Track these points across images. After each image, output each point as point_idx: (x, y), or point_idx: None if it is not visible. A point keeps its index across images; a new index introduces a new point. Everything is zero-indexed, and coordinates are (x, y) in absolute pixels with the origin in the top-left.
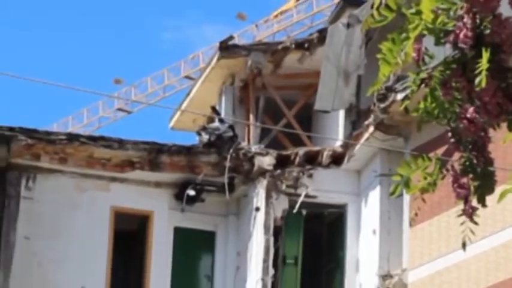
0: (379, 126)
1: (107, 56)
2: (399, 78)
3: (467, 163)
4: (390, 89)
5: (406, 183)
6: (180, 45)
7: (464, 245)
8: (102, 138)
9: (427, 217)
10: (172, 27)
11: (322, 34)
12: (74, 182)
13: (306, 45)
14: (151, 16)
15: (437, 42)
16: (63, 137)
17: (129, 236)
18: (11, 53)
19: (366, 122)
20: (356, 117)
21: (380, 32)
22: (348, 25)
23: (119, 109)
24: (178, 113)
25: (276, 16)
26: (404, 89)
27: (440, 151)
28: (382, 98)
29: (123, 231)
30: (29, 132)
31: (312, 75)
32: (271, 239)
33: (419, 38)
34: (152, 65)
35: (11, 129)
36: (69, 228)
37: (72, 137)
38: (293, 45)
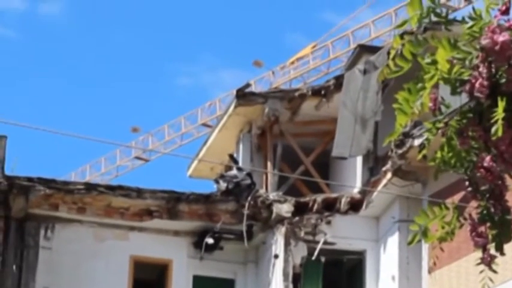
0: (397, 172)
1: (124, 104)
2: (416, 124)
3: (485, 212)
4: (407, 135)
5: (424, 233)
6: (196, 90)
7: None
8: (120, 187)
9: (446, 263)
10: (188, 72)
11: (339, 81)
12: (93, 232)
13: (323, 91)
14: (166, 62)
15: (453, 92)
16: (81, 187)
17: (149, 285)
18: (28, 104)
19: (384, 168)
20: (374, 164)
21: (397, 78)
22: (365, 71)
23: (137, 157)
24: (196, 161)
25: (293, 63)
26: (422, 134)
27: (458, 196)
28: (400, 144)
29: (142, 280)
30: (47, 183)
31: (329, 121)
32: (291, 286)
33: (435, 88)
34: (169, 112)
35: (29, 179)
36: (88, 277)
37: (90, 187)
38: (310, 92)
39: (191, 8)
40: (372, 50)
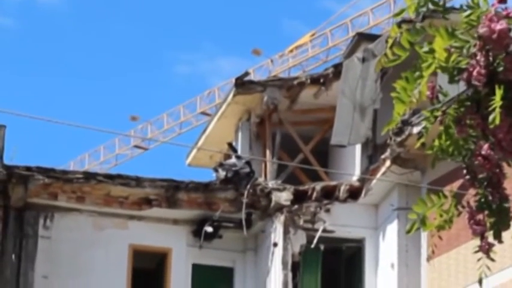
0: (396, 160)
1: (123, 93)
2: (415, 112)
3: (483, 199)
4: (406, 123)
5: (422, 221)
6: (195, 78)
7: (480, 281)
8: (119, 176)
9: (445, 250)
10: (187, 60)
11: (338, 69)
12: (92, 221)
13: (322, 80)
14: (165, 50)
15: (451, 80)
16: (80, 176)
17: (148, 274)
18: (27, 93)
19: (383, 156)
20: (372, 151)
21: (396, 66)
22: (363, 59)
23: (136, 146)
24: (195, 150)
25: (291, 51)
26: (420, 122)
27: (457, 184)
28: (398, 131)
29: (141, 269)
30: (46, 172)
31: (328, 110)
32: (290, 275)
33: (433, 76)
34: (168, 100)
35: (28, 168)
36: (87, 266)
37: (89, 176)
38: (308, 80)
39: None
40: (371, 38)
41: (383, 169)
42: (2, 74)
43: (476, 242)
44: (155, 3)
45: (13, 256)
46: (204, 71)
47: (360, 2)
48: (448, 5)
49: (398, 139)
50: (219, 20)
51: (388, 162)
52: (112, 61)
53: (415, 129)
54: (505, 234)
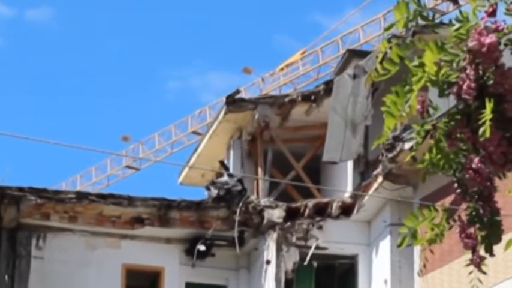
0: (388, 176)
1: (114, 113)
2: (406, 128)
3: (474, 213)
4: (398, 139)
5: (413, 235)
6: (187, 94)
7: None
8: (111, 195)
9: (438, 265)
10: (178, 76)
11: (329, 86)
12: (84, 240)
13: (313, 97)
14: (156, 66)
15: (441, 94)
16: (72, 196)
17: None
18: (17, 114)
19: (375, 172)
20: (364, 168)
21: (386, 82)
22: (354, 76)
23: (127, 166)
24: (187, 168)
25: (282, 69)
26: (412, 138)
27: (449, 199)
28: (390, 147)
29: None
30: (38, 192)
31: (319, 127)
32: None
33: (423, 89)
34: (159, 120)
35: (20, 189)
36: (80, 286)
37: (81, 196)
38: (300, 98)
39: (180, 12)
40: (361, 54)
41: (375, 185)
42: None
43: (469, 256)
44: (146, 20)
45: (6, 277)
46: (194, 87)
47: (350, 19)
48: (438, 20)
49: (390, 155)
50: (210, 35)
51: (380, 179)
52: (102, 78)
53: (407, 145)
54: (497, 249)
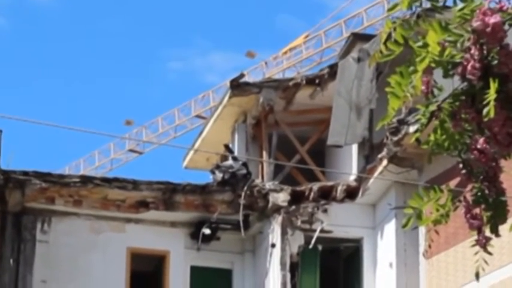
0: (393, 159)
1: (117, 97)
2: (411, 111)
3: (479, 193)
4: (402, 122)
5: (418, 216)
6: (188, 74)
7: (477, 275)
8: (116, 179)
9: (444, 248)
10: (179, 57)
11: (333, 69)
12: (89, 224)
13: (317, 80)
14: (157, 47)
15: (446, 75)
16: (77, 180)
17: (146, 277)
18: (21, 97)
19: (379, 156)
20: (369, 151)
21: (391, 65)
22: (359, 59)
23: (131, 150)
24: (192, 152)
25: (285, 53)
26: (417, 121)
27: (454, 182)
28: (395, 131)
29: (139, 272)
30: (43, 176)
31: (324, 110)
32: (288, 275)
33: (428, 71)
34: (162, 104)
35: (25, 173)
36: (85, 270)
37: (86, 180)
38: (304, 81)
39: None
40: (366, 38)
41: (380, 168)
42: None
43: (474, 238)
44: (147, 1)
45: (11, 261)
46: (197, 67)
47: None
48: (441, 3)
49: (395, 138)
50: (211, 15)
51: (385, 162)
52: (103, 60)
53: (412, 128)
54: (503, 231)
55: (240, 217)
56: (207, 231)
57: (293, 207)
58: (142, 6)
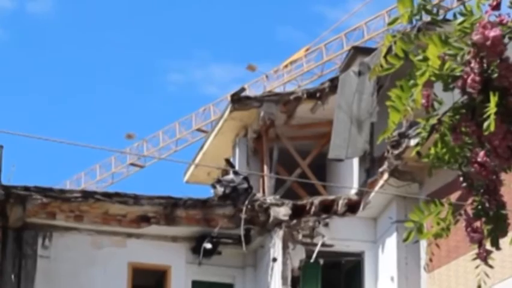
0: (394, 172)
1: (117, 110)
2: (412, 124)
3: (480, 207)
4: (403, 135)
5: (419, 230)
6: (188, 86)
7: None
8: (117, 194)
9: (445, 262)
10: (179, 69)
11: (334, 83)
12: (90, 239)
13: (318, 94)
14: (157, 59)
15: (446, 88)
16: (78, 195)
17: None
18: (21, 112)
19: (380, 169)
20: (370, 165)
21: (391, 78)
22: (359, 73)
23: (132, 164)
24: (193, 166)
25: (286, 66)
26: (417, 134)
27: (455, 195)
28: (396, 144)
29: (141, 287)
30: (44, 191)
31: (325, 124)
32: None
33: (428, 84)
34: (163, 117)
35: (26, 188)
36: (87, 285)
37: (87, 194)
38: (305, 95)
39: (181, 4)
40: (366, 51)
41: (381, 182)
42: None
43: (475, 252)
44: (146, 12)
45: (12, 276)
46: (197, 79)
47: (357, 13)
48: (442, 16)
49: (396, 152)
50: (210, 26)
51: (386, 175)
52: (102, 72)
53: (413, 142)
54: (504, 245)
55: (241, 231)
56: (208, 245)
57: (294, 221)
58: (142, 18)
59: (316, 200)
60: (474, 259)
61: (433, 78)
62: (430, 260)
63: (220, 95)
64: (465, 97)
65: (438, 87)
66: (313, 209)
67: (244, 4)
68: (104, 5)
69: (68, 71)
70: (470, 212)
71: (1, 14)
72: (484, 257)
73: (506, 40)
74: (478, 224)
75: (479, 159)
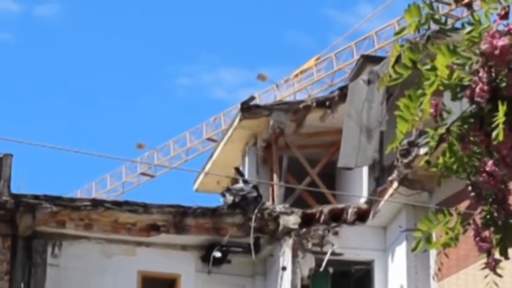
0: (403, 181)
1: (127, 116)
2: (421, 133)
3: (488, 216)
4: (413, 144)
5: (427, 239)
6: (197, 90)
7: None
8: (126, 203)
9: (454, 271)
10: (187, 73)
11: (343, 91)
12: (100, 248)
13: (327, 103)
14: (165, 63)
15: (454, 97)
16: (88, 203)
17: None
18: (31, 120)
19: (390, 178)
20: (380, 173)
21: (401, 87)
22: (369, 82)
23: (142, 173)
24: (202, 175)
25: (297, 75)
26: (427, 143)
27: (464, 204)
28: (405, 153)
29: None
30: (54, 200)
31: (334, 132)
32: None
33: (437, 94)
34: (173, 127)
35: (36, 197)
36: None
37: (97, 203)
38: (314, 104)
39: (190, 8)
40: (376, 60)
41: (390, 191)
42: (5, 102)
43: (485, 261)
44: (154, 16)
45: (22, 285)
46: (206, 83)
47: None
48: (451, 25)
49: (405, 160)
50: (218, 30)
51: (395, 184)
52: (110, 77)
53: (422, 150)
54: None
55: (251, 240)
56: (217, 254)
57: (304, 229)
58: (151, 22)
59: (326, 208)
60: (483, 268)
61: (441, 88)
62: (439, 269)
63: (229, 99)
64: (473, 106)
65: (447, 96)
66: (322, 217)
67: (253, 8)
68: (112, 9)
69: (75, 76)
70: (478, 221)
71: (8, 17)
72: (493, 266)
73: None
74: (486, 233)
75: (487, 169)
